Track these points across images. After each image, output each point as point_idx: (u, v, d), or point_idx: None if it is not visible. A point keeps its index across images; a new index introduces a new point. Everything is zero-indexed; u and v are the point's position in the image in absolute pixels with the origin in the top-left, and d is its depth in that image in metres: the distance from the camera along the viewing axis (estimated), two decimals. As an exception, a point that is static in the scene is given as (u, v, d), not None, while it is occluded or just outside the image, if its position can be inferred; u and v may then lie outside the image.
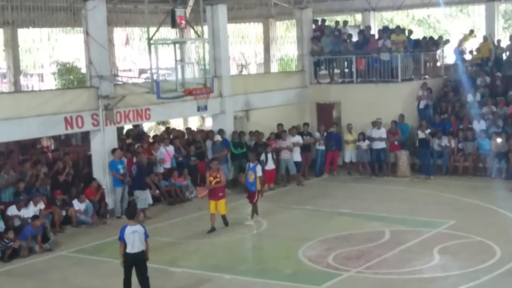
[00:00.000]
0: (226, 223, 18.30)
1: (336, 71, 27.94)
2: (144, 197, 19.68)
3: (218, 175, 17.91)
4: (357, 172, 25.23)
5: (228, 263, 15.36)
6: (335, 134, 25.42)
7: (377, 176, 24.61)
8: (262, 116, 25.93)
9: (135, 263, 12.85)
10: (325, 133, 25.22)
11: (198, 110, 20.27)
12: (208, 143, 23.57)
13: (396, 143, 24.62)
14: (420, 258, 14.88)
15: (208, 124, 29.86)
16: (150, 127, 30.94)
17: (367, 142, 24.74)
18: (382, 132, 24.50)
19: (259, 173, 18.80)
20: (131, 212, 13.31)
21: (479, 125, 24.09)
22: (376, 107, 25.05)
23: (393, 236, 16.76)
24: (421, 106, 25.99)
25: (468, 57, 28.86)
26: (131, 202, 19.62)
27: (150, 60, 19.11)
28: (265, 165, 22.80)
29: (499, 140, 23.02)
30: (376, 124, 24.58)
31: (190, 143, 23.47)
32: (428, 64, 28.10)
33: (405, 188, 22.64)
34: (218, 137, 23.27)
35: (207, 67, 21.29)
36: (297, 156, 24.04)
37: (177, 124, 31.01)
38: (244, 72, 38.52)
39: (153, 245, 16.86)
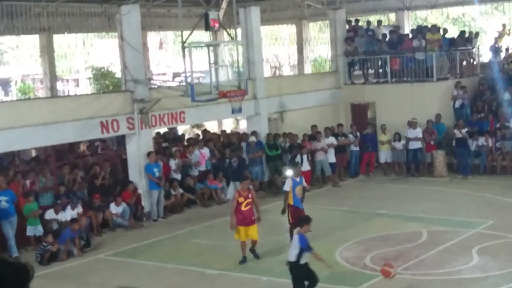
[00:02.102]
0: (257, 256, 15.74)
1: (371, 71, 27.82)
2: None
3: (250, 195, 15.47)
4: (393, 173, 25.06)
5: (265, 265, 15.33)
6: (370, 134, 25.29)
7: (414, 176, 24.41)
8: (297, 117, 25.88)
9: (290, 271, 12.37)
10: (358, 134, 25.12)
11: (233, 112, 20.28)
12: (243, 145, 23.60)
13: (432, 143, 24.41)
14: (459, 259, 14.72)
15: (243, 126, 29.89)
16: (184, 130, 31.08)
17: (402, 142, 24.56)
18: (418, 132, 24.32)
19: (305, 184, 17.11)
20: (300, 220, 12.76)
21: (516, 124, 23.80)
22: (411, 107, 24.88)
23: (431, 236, 16.60)
24: (457, 105, 25.75)
25: (504, 54, 28.52)
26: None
27: (184, 63, 19.19)
28: (301, 166, 22.78)
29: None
30: (411, 124, 24.39)
31: (226, 146, 23.52)
32: (463, 62, 27.84)
33: (442, 188, 22.41)
34: (252, 138, 23.28)
35: (241, 69, 21.31)
36: (331, 157, 23.96)
37: (211, 126, 31.10)
38: (278, 73, 38.53)
39: (190, 248, 17.02)
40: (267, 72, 33.89)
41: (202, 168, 22.36)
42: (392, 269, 12.49)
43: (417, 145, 24.35)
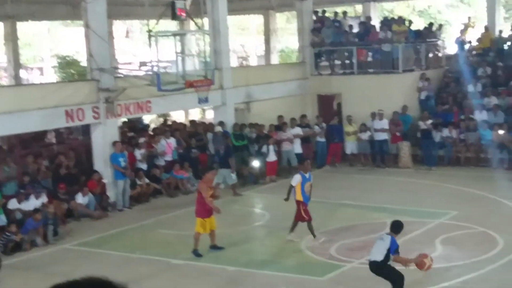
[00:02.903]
0: (220, 248, 15.50)
1: (337, 62, 27.89)
2: (230, 175, 21.12)
3: (213, 186, 15.55)
4: (359, 164, 25.20)
5: (231, 255, 15.33)
6: (337, 126, 25.39)
7: (380, 167, 24.58)
8: (263, 108, 25.89)
9: (374, 272, 11.91)
10: (324, 125, 25.19)
11: (199, 102, 20.26)
12: (209, 135, 23.55)
13: (398, 134, 24.59)
14: (423, 249, 14.75)
15: (209, 116, 29.83)
16: (150, 120, 30.94)
17: (368, 133, 24.71)
18: (384, 123, 24.47)
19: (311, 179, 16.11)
20: (394, 226, 12.09)
21: (480, 116, 24.07)
22: (377, 98, 25.00)
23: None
24: (422, 97, 25.98)
25: (469, 47, 28.83)
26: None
27: (151, 52, 19.08)
28: (267, 157, 22.86)
29: (500, 131, 23.00)
30: (377, 115, 24.55)
31: (192, 136, 23.45)
32: (429, 54, 28.07)
33: (407, 179, 22.61)
34: (218, 128, 23.24)
35: (207, 59, 21.24)
36: (297, 148, 24.01)
37: (178, 116, 31.00)
38: (245, 64, 38.50)
39: (156, 238, 16.97)
40: (234, 62, 33.82)
41: (168, 158, 22.28)
42: (426, 259, 12.24)
43: (383, 136, 24.50)
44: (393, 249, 11.66)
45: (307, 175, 15.73)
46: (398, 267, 12.02)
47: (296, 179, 15.60)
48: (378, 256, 11.73)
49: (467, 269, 13.49)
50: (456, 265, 13.87)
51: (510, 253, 14.34)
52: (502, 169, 22.71)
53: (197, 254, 15.06)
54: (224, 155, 21.70)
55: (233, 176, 21.23)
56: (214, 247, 15.37)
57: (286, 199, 15.86)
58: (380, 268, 11.79)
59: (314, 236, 15.60)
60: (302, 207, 15.53)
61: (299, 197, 15.55)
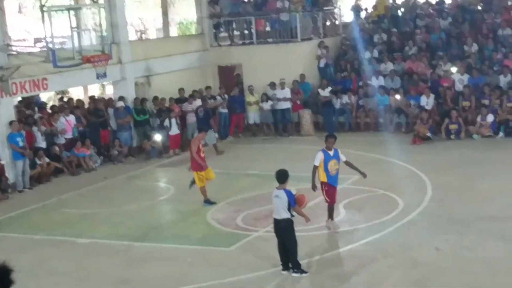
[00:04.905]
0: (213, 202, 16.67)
1: (236, 33, 27.88)
2: (211, 136, 21.88)
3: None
4: (261, 133, 25.39)
5: (138, 231, 15.20)
6: (238, 96, 25.46)
7: (282, 136, 24.83)
8: (164, 81, 25.64)
9: (277, 230, 11.85)
10: (226, 96, 25.21)
11: (98, 77, 19.92)
12: (110, 111, 23.16)
13: (298, 102, 24.88)
14: (326, 214, 15.09)
15: (109, 91, 29.32)
16: (48, 97, 30.14)
17: (270, 102, 24.89)
18: (287, 92, 24.72)
19: (344, 157, 14.27)
20: (280, 176, 11.91)
21: (377, 82, 24.62)
22: (277, 67, 25.20)
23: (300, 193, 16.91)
24: (321, 64, 26.32)
25: (365, 14, 29.35)
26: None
27: (44, 28, 18.57)
28: (169, 130, 22.74)
29: (397, 96, 23.62)
30: (279, 84, 24.76)
31: (92, 112, 23.00)
32: (326, 22, 28.43)
33: (309, 146, 22.81)
34: (120, 103, 22.87)
35: (104, 33, 20.82)
36: (201, 120, 23.96)
37: (77, 93, 30.34)
38: (144, 37, 37.98)
39: (60, 217, 16.66)
40: (132, 36, 33.29)
41: (69, 136, 21.80)
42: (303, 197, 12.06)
43: (286, 105, 24.75)
44: (292, 201, 11.64)
45: (331, 153, 13.96)
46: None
47: (319, 158, 13.84)
48: (284, 213, 11.65)
49: (370, 231, 13.85)
50: (359, 228, 14.23)
51: (409, 213, 14.84)
52: (400, 133, 23.39)
53: (209, 202, 16.47)
54: (203, 117, 22.91)
55: (214, 136, 22.47)
56: (207, 201, 16.58)
57: (313, 187, 13.99)
58: (289, 225, 11.71)
59: (332, 219, 14.17)
60: (325, 188, 13.97)
61: (323, 177, 13.87)
